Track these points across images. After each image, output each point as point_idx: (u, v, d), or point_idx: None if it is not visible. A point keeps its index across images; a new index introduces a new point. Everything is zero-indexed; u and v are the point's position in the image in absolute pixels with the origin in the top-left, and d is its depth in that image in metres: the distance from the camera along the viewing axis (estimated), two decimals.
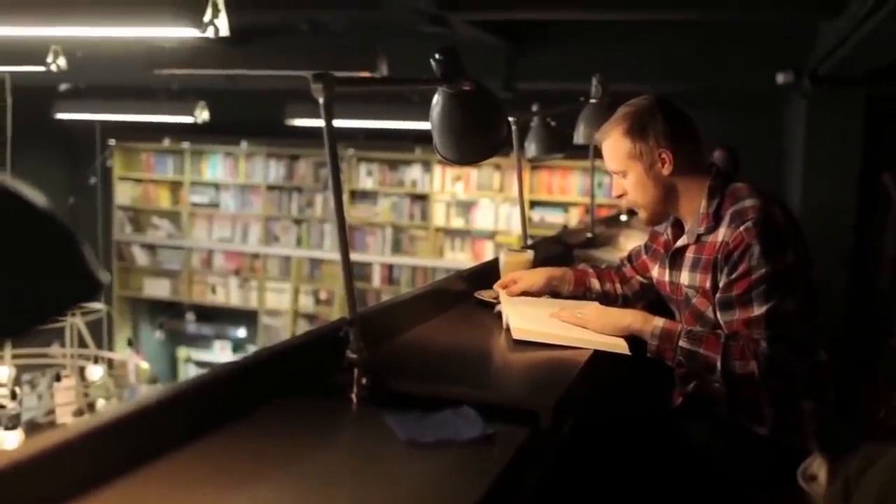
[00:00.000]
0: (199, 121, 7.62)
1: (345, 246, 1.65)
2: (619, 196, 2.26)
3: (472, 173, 9.01)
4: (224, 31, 3.38)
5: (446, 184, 9.14)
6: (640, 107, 2.20)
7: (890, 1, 3.34)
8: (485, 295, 2.61)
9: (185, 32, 3.41)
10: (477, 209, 9.12)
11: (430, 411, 1.52)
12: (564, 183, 8.74)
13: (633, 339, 2.16)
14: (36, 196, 0.91)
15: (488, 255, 8.98)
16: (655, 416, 2.34)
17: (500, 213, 9.04)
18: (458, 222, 9.22)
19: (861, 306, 5.63)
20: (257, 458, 1.33)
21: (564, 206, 8.78)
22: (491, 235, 9.11)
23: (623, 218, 5.73)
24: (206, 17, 3.33)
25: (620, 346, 2.12)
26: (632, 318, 2.16)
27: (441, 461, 1.35)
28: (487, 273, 2.76)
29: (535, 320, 2.22)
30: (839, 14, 4.12)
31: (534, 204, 8.78)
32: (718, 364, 2.02)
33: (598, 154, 4.98)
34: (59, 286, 0.89)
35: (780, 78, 5.57)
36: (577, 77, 5.35)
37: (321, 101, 1.56)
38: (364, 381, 1.64)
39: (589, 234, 4.42)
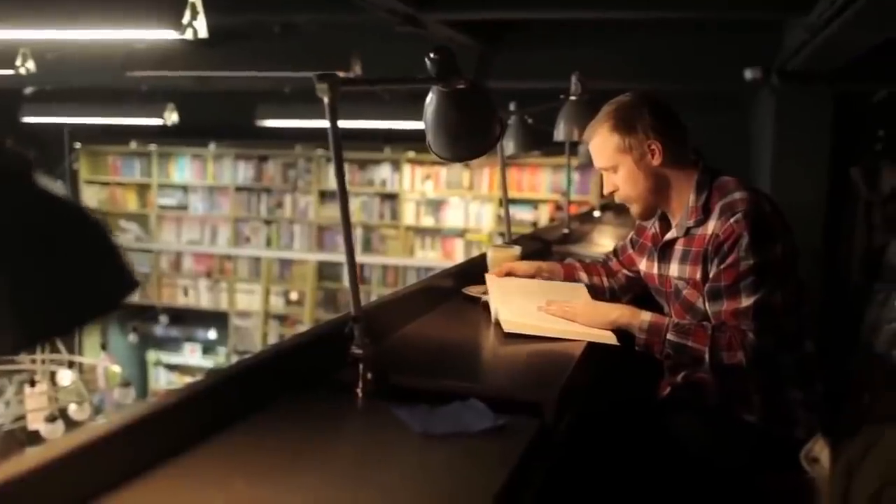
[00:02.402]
0: (169, 123, 7.57)
1: (350, 245, 1.67)
2: (611, 192, 2.29)
3: (442, 172, 9.03)
4: (203, 33, 3.38)
5: (416, 183, 9.15)
6: (624, 102, 2.25)
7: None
8: (472, 291, 2.64)
9: (164, 35, 3.40)
10: (447, 208, 9.15)
11: (436, 405, 1.55)
12: (534, 180, 8.79)
13: (621, 331, 2.20)
14: (76, 198, 0.92)
15: (458, 253, 9.02)
16: (646, 409, 2.38)
17: (470, 211, 9.07)
18: (428, 221, 9.23)
19: (834, 300, 5.72)
20: (278, 453, 1.35)
21: (534, 203, 8.82)
22: (461, 233, 9.14)
23: (596, 214, 5.80)
24: (185, 20, 3.32)
25: (609, 338, 2.17)
26: (619, 313, 2.21)
27: (456, 452, 1.38)
28: (475, 270, 2.79)
29: (525, 313, 2.25)
30: (809, 11, 4.20)
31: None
32: (706, 356, 2.07)
33: (573, 150, 5.01)
34: (104, 283, 0.91)
35: (749, 74, 5.66)
36: (547, 75, 5.39)
37: (326, 101, 1.57)
38: (369, 376, 1.66)
39: (565, 230, 4.47)
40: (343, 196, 1.64)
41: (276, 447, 1.37)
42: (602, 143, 2.25)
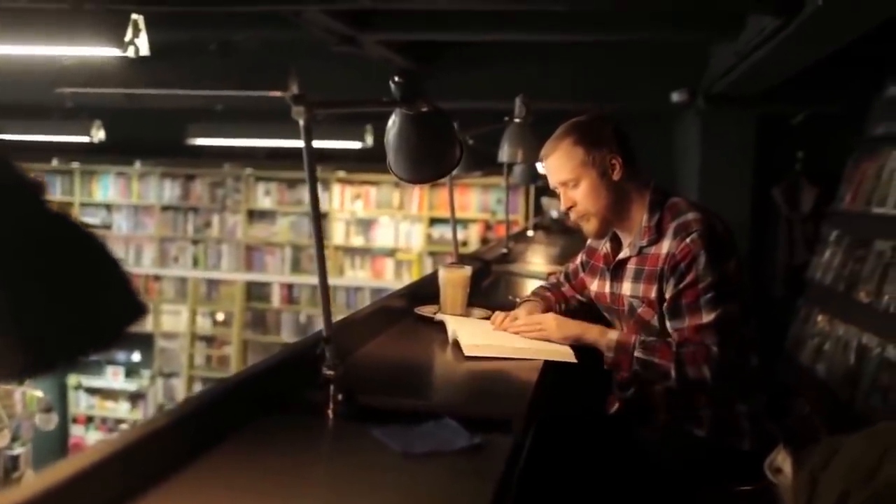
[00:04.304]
0: (96, 140, 7.39)
1: (322, 267, 1.68)
2: (569, 208, 2.33)
3: (372, 191, 9.02)
4: (144, 50, 3.34)
5: (346, 202, 9.12)
6: (587, 119, 2.32)
7: (786, 28, 3.56)
8: (425, 310, 2.67)
9: (106, 52, 3.35)
10: (376, 227, 9.14)
11: (408, 424, 1.56)
12: (463, 200, 8.84)
13: (578, 347, 2.24)
14: (86, 224, 0.92)
15: (388, 273, 9.04)
16: (597, 422, 2.43)
17: (400, 231, 9.08)
18: (357, 240, 9.21)
19: (757, 314, 5.90)
20: (257, 478, 1.33)
21: (464, 223, 8.87)
22: (391, 253, 9.14)
23: (530, 233, 5.90)
24: (127, 37, 3.28)
25: (568, 355, 2.21)
26: (585, 330, 2.26)
27: (436, 470, 1.40)
28: (426, 289, 2.82)
29: (483, 334, 2.29)
30: (737, 37, 4.36)
31: (433, 221, 8.89)
32: (672, 372, 2.12)
33: (509, 171, 5.08)
34: (112, 310, 0.91)
35: (676, 96, 5.83)
36: (482, 96, 5.45)
37: (301, 123, 1.58)
38: (339, 397, 1.67)
39: (504, 250, 4.53)
40: (316, 216, 1.65)
41: (254, 473, 1.36)
42: (564, 156, 2.29)
